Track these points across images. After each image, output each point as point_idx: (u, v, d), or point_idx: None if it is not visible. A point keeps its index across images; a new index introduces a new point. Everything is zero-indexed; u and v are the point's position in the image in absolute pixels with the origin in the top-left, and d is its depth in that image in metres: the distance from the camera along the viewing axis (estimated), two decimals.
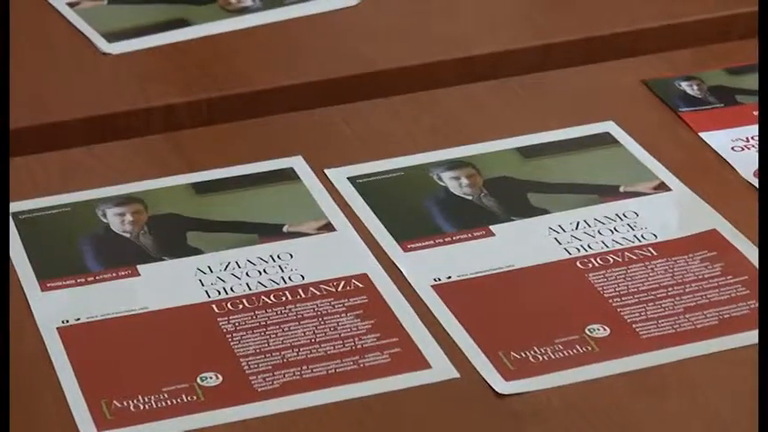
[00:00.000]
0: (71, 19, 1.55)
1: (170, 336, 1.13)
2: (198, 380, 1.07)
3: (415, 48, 1.52)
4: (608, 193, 1.28)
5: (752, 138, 1.35)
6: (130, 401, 1.05)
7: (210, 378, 1.07)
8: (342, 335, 1.12)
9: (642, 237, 1.22)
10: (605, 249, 1.21)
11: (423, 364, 1.09)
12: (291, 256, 1.21)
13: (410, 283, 1.18)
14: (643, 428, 1.04)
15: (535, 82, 1.46)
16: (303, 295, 1.16)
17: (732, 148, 1.34)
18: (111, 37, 1.52)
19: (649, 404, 1.06)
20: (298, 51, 1.53)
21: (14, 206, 1.26)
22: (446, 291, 1.17)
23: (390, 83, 1.46)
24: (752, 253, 1.20)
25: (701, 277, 1.17)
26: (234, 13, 1.56)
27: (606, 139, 1.35)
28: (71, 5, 1.57)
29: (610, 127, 1.36)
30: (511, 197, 1.28)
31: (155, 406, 1.05)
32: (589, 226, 1.24)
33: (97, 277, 1.19)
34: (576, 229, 1.24)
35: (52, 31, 1.56)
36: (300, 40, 1.55)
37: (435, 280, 1.18)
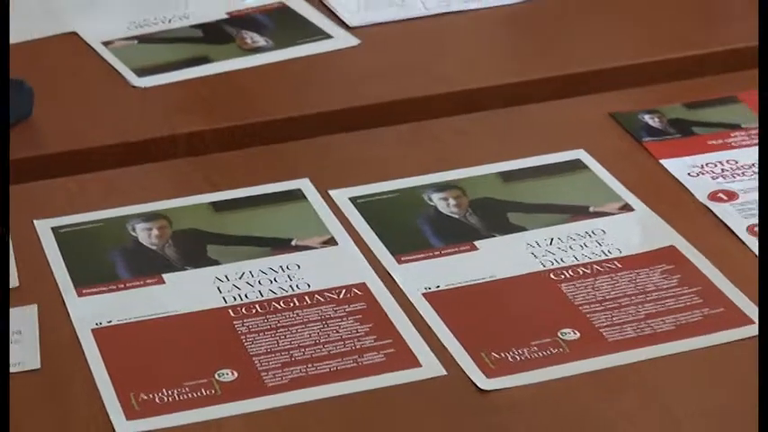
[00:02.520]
0: (105, 56, 1.55)
1: (191, 336, 1.13)
2: (215, 376, 1.07)
3: (409, 83, 1.52)
4: (578, 212, 1.28)
5: (706, 165, 1.34)
6: (155, 394, 1.05)
7: (227, 374, 1.07)
8: (343, 336, 1.12)
9: (608, 252, 1.22)
10: (576, 262, 1.21)
11: (414, 362, 1.09)
12: (299, 266, 1.21)
13: (403, 292, 1.17)
14: (606, 423, 1.04)
15: (514, 114, 1.46)
16: (309, 302, 1.16)
17: (688, 174, 1.33)
18: (141, 72, 1.52)
19: (613, 400, 1.06)
20: (305, 86, 1.54)
21: (54, 221, 1.27)
22: (435, 298, 1.17)
23: (387, 114, 1.46)
24: (705, 266, 1.20)
25: (660, 288, 1.17)
26: (249, 52, 1.57)
27: (577, 165, 1.35)
28: (105, 44, 1.57)
29: (580, 154, 1.36)
30: (493, 216, 1.28)
31: (177, 398, 1.05)
32: (562, 242, 1.24)
33: (127, 285, 1.19)
34: (550, 244, 1.23)
35: (89, 66, 1.55)
36: (308, 76, 1.55)
37: (426, 289, 1.18)
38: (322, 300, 1.17)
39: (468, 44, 1.64)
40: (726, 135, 1.39)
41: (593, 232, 1.25)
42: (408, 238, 1.25)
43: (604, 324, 1.13)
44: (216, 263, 1.22)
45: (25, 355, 1.10)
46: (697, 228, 1.26)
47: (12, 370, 1.08)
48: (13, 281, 1.19)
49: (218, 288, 1.18)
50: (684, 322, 1.13)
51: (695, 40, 1.61)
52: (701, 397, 1.07)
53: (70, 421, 1.04)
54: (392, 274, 1.20)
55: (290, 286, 1.18)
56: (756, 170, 1.33)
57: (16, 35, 1.59)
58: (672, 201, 1.30)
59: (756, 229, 1.24)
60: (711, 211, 1.28)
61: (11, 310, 1.14)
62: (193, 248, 1.24)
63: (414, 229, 1.26)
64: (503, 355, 1.09)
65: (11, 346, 1.11)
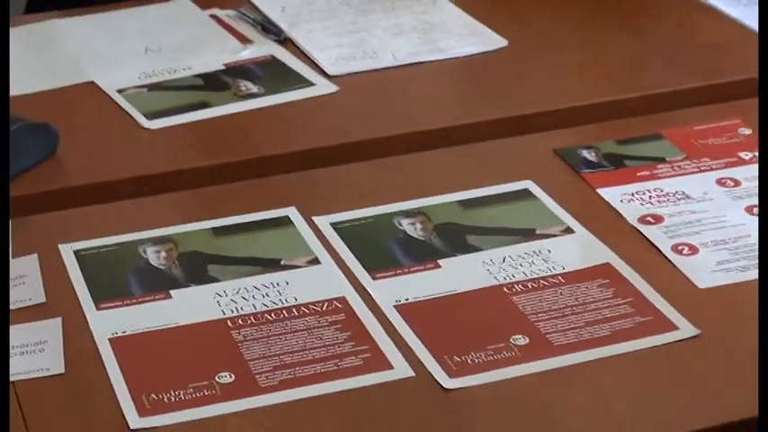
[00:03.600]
0: (119, 102, 1.55)
1: (194, 344, 1.13)
2: (216, 378, 1.07)
3: (381, 124, 1.52)
4: (527, 235, 1.28)
5: (635, 193, 1.35)
6: (164, 394, 1.05)
7: (225, 377, 1.07)
8: (325, 343, 1.12)
9: (553, 268, 1.22)
10: (525, 278, 1.21)
11: (387, 365, 1.09)
12: (287, 283, 1.20)
13: (378, 304, 1.17)
14: (553, 415, 1.04)
15: (472, 150, 1.46)
16: (296, 313, 1.16)
17: (620, 201, 1.33)
18: (150, 116, 1.52)
19: (558, 397, 1.07)
20: (292, 127, 1.53)
21: (76, 245, 1.26)
22: (405, 310, 1.17)
23: (362, 151, 1.46)
24: (636, 280, 1.20)
25: (597, 299, 1.17)
26: (243, 98, 1.56)
27: (525, 194, 1.35)
28: (119, 92, 1.57)
29: (528, 185, 1.36)
30: (454, 238, 1.27)
31: (182, 398, 1.05)
32: (513, 260, 1.24)
33: (139, 300, 1.19)
34: (503, 262, 1.23)
35: (105, 111, 1.55)
36: (294, 118, 1.55)
37: (397, 301, 1.18)
38: (307, 312, 1.16)
39: (432, 90, 1.65)
40: (652, 167, 1.39)
41: (539, 252, 1.25)
42: (381, 258, 1.25)
43: (550, 331, 1.13)
44: (216, 280, 1.21)
45: (51, 361, 1.10)
46: (628, 247, 1.26)
47: (39, 375, 1.08)
48: (40, 297, 1.19)
49: (218, 302, 1.18)
50: (618, 329, 1.13)
51: (626, 85, 1.61)
52: (635, 391, 1.07)
53: (90, 418, 1.04)
54: (368, 289, 1.20)
55: (280, 300, 1.18)
56: (679, 197, 1.34)
57: (42, 84, 1.60)
58: (607, 224, 1.30)
59: (680, 247, 1.25)
60: (641, 233, 1.28)
61: (38, 322, 1.15)
62: (196, 268, 1.23)
63: (386, 250, 1.26)
64: (463, 358, 1.10)
65: (38, 354, 1.11)
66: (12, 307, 1.16)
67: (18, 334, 1.13)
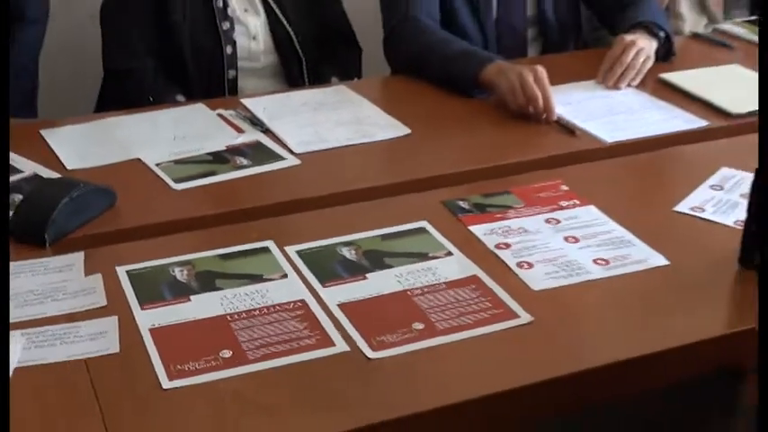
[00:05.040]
0: (157, 172, 1.54)
1: (205, 331, 1.13)
2: (219, 354, 1.08)
3: (328, 185, 1.51)
4: (423, 257, 1.28)
5: (493, 229, 1.34)
6: (185, 365, 1.06)
7: (226, 353, 1.08)
8: (291, 330, 1.12)
9: (439, 279, 1.22)
10: (422, 285, 1.21)
11: (331, 344, 1.10)
12: (267, 291, 1.20)
13: (326, 304, 1.17)
14: (437, 376, 1.06)
15: (388, 202, 1.46)
16: (272, 311, 1.16)
17: (483, 234, 1.33)
18: (177, 181, 1.51)
19: (441, 363, 1.07)
20: (270, 187, 1.52)
21: (127, 267, 1.25)
22: (344, 307, 1.17)
23: (316, 203, 1.45)
24: (493, 286, 1.20)
25: (468, 299, 1.18)
26: (238, 169, 1.55)
27: (422, 230, 1.34)
28: (157, 165, 1.56)
29: (424, 224, 1.36)
30: (376, 260, 1.27)
31: (197, 367, 1.06)
32: (413, 274, 1.24)
33: (169, 303, 1.18)
34: (408, 275, 1.23)
35: (147, 178, 1.54)
36: (271, 181, 1.53)
37: (339, 302, 1.18)
38: (279, 309, 1.17)
39: (361, 162, 1.62)
40: (504, 212, 1.39)
41: (430, 268, 1.25)
42: (329, 273, 1.24)
43: (438, 320, 1.14)
44: (220, 289, 1.21)
45: (110, 344, 1.10)
46: (488, 264, 1.26)
47: (103, 353, 1.08)
48: (103, 301, 1.19)
49: (221, 303, 1.18)
50: (481, 318, 1.15)
51: (488, 159, 1.61)
52: (492, 359, 1.09)
53: (136, 381, 1.04)
54: (320, 294, 1.20)
55: (262, 302, 1.18)
56: (521, 231, 1.34)
57: (106, 160, 1.59)
58: (474, 249, 1.30)
59: (522, 264, 1.25)
60: (496, 255, 1.28)
61: (102, 319, 1.15)
62: (208, 281, 1.22)
63: (332, 268, 1.26)
64: (381, 338, 1.11)
65: (101, 339, 1.11)
66: (84, 309, 1.17)
67: (89, 326, 1.13)
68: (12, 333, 1.11)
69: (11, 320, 1.14)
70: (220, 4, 2.01)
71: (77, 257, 1.28)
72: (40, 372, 1.06)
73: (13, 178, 1.52)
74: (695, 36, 2.25)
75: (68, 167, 1.57)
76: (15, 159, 1.59)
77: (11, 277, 1.23)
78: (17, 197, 1.43)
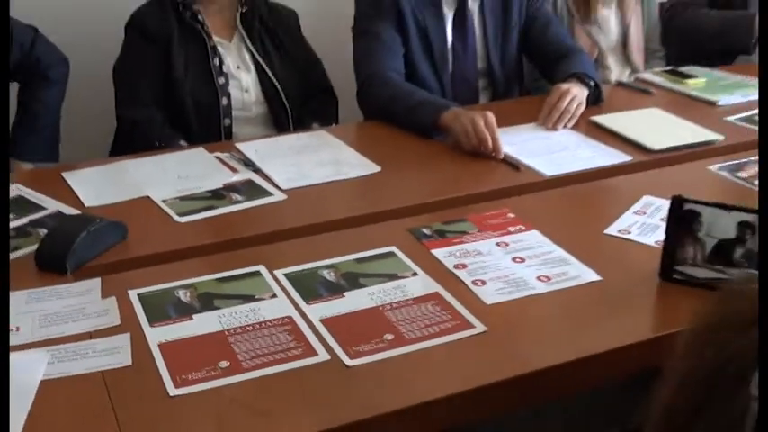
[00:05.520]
0: (163, 207, 1.53)
1: (206, 345, 1.12)
2: (218, 364, 1.07)
3: (310, 217, 1.50)
4: (392, 277, 1.27)
5: (452, 252, 1.33)
6: (189, 375, 1.06)
7: (224, 363, 1.08)
8: (280, 342, 1.12)
9: (406, 295, 1.22)
10: (392, 301, 1.21)
11: (315, 353, 1.10)
12: (259, 308, 1.20)
13: (310, 319, 1.17)
14: (405, 379, 1.05)
15: (362, 230, 1.45)
16: (264, 326, 1.16)
17: (444, 256, 1.33)
18: (180, 215, 1.51)
19: (408, 368, 1.07)
20: (261, 219, 1.51)
21: (138, 290, 1.25)
22: (326, 322, 1.16)
23: (300, 232, 1.45)
24: (452, 300, 1.20)
25: (431, 312, 1.18)
26: (233, 204, 1.55)
27: (391, 254, 1.34)
28: (164, 201, 1.56)
29: (393, 249, 1.36)
30: (352, 280, 1.27)
31: (200, 376, 1.05)
32: (385, 291, 1.23)
33: (175, 321, 1.18)
34: (380, 293, 1.23)
35: (155, 214, 1.52)
36: (261, 214, 1.52)
37: (321, 317, 1.17)
38: (270, 324, 1.16)
39: (340, 195, 1.62)
40: (461, 237, 1.40)
41: (399, 286, 1.25)
42: (312, 292, 1.24)
43: (406, 331, 1.14)
44: (218, 308, 1.20)
45: (123, 358, 1.10)
46: (448, 282, 1.26)
47: (117, 366, 1.08)
48: (117, 321, 1.18)
49: (219, 321, 1.17)
50: (443, 328, 1.15)
51: (447, 192, 1.61)
52: (452, 363, 1.09)
53: (146, 389, 1.04)
54: (304, 311, 1.19)
55: (255, 318, 1.18)
56: (475, 254, 1.34)
57: (118, 198, 1.59)
58: (436, 270, 1.30)
59: (476, 281, 1.25)
60: (455, 274, 1.29)
61: (116, 336, 1.14)
62: (207, 302, 1.22)
63: (314, 288, 1.25)
64: (357, 348, 1.11)
65: (116, 354, 1.10)
66: (100, 328, 1.16)
67: (105, 343, 1.13)
68: (38, 350, 1.11)
69: (37, 339, 1.14)
70: (217, 62, 2.03)
71: (95, 283, 1.28)
72: (62, 383, 1.05)
73: (38, 215, 1.52)
74: (620, 84, 2.28)
75: (86, 205, 1.56)
76: (40, 198, 1.59)
77: (37, 302, 1.23)
78: (42, 231, 1.43)
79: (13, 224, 1.47)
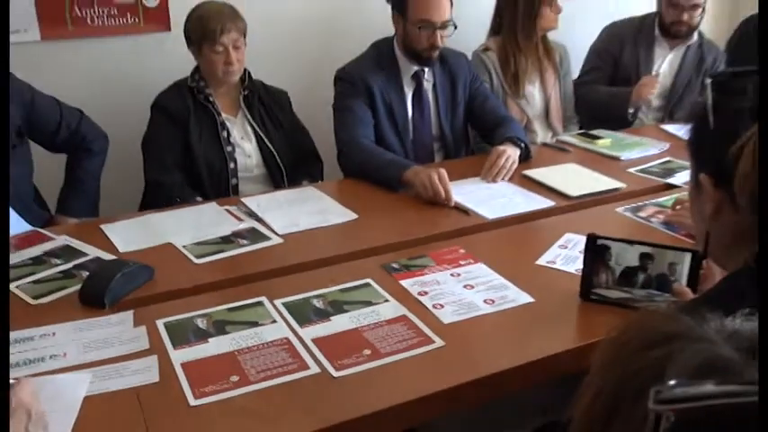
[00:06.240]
0: (183, 251, 1.52)
1: (219, 363, 1.11)
2: (230, 378, 1.06)
3: (302, 255, 1.49)
4: (369, 304, 1.27)
5: (416, 282, 1.33)
6: (206, 387, 1.04)
7: (234, 377, 1.07)
8: (280, 359, 1.11)
9: (380, 317, 1.22)
10: (369, 323, 1.20)
11: (307, 367, 1.09)
12: (261, 332, 1.19)
13: (304, 340, 1.16)
14: (374, 388, 1.04)
15: (345, 266, 1.44)
16: (266, 346, 1.15)
17: (411, 285, 1.32)
18: (198, 257, 1.50)
19: (382, 378, 1.06)
20: (261, 259, 1.49)
21: (164, 320, 1.23)
22: (317, 341, 1.16)
23: (294, 269, 1.44)
24: (417, 321, 1.20)
25: (401, 332, 1.18)
26: (240, 247, 1.54)
27: (368, 285, 1.34)
28: (183, 246, 1.54)
29: (369, 281, 1.35)
30: (337, 306, 1.26)
31: (215, 389, 1.04)
32: (363, 315, 1.23)
33: (193, 344, 1.16)
34: (360, 317, 1.23)
35: (175, 256, 1.51)
36: (262, 255, 1.51)
37: (313, 338, 1.17)
38: (271, 345, 1.15)
39: (325, 238, 1.60)
40: (422, 270, 1.39)
41: (374, 311, 1.25)
42: (306, 317, 1.23)
43: (380, 347, 1.14)
44: (229, 333, 1.19)
45: (152, 376, 1.08)
46: (414, 306, 1.26)
47: (146, 383, 1.06)
48: (146, 345, 1.17)
49: (230, 343, 1.16)
50: (409, 344, 1.15)
51: (410, 233, 1.60)
52: (417, 374, 1.08)
53: (171, 400, 1.03)
54: (299, 333, 1.19)
55: (259, 340, 1.17)
56: (434, 283, 1.33)
57: (146, 244, 1.56)
58: (404, 297, 1.30)
59: (436, 305, 1.25)
60: (419, 300, 1.28)
61: (145, 358, 1.12)
62: (220, 328, 1.21)
63: (307, 314, 1.25)
64: (342, 361, 1.10)
65: (146, 373, 1.09)
66: (133, 352, 1.15)
67: (137, 364, 1.12)
68: (82, 371, 1.09)
69: (81, 362, 1.12)
70: (225, 134, 2.04)
71: (128, 315, 1.27)
72: (103, 399, 1.04)
73: (81, 260, 1.51)
74: (544, 145, 2.32)
75: (120, 251, 1.55)
76: (83, 246, 1.57)
77: (81, 332, 1.21)
78: (84, 273, 1.42)
79: (60, 268, 1.46)
